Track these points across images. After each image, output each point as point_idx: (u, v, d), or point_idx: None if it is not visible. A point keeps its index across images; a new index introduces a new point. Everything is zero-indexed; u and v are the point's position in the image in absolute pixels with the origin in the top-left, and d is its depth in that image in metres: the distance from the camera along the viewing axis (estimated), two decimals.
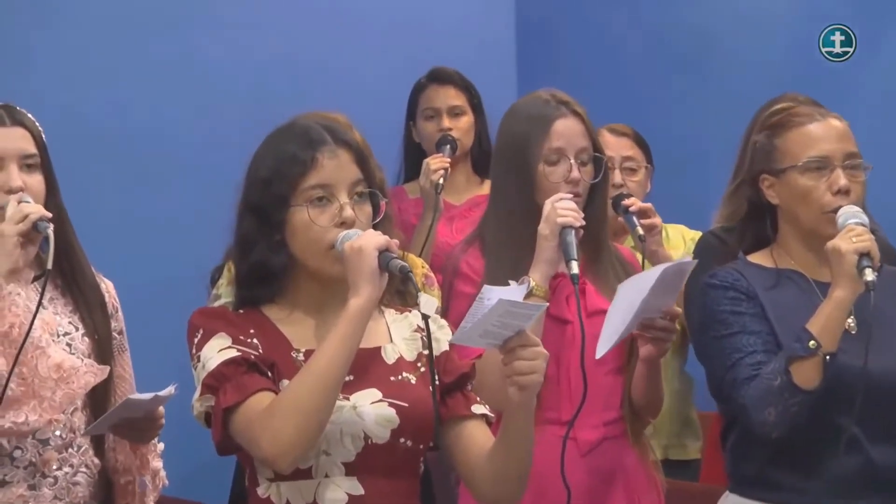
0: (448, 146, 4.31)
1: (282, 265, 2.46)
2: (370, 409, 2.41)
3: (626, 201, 3.63)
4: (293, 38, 4.88)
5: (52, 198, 2.81)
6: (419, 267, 3.55)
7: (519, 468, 2.43)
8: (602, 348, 2.88)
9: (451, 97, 4.43)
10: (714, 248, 3.31)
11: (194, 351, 2.44)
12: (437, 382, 2.42)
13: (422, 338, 2.51)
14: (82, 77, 4.37)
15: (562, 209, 2.93)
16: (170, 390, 2.73)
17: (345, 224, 2.43)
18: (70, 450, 2.78)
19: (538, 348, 2.32)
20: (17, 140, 2.79)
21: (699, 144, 5.00)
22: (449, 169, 4.16)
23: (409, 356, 2.51)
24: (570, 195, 2.99)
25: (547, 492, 2.91)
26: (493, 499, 2.48)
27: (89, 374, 2.72)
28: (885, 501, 2.86)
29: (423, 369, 2.49)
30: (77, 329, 2.82)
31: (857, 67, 4.77)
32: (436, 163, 4.15)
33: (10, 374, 2.60)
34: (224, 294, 3.33)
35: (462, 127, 4.40)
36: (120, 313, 2.96)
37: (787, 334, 2.83)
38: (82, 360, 2.74)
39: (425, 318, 2.38)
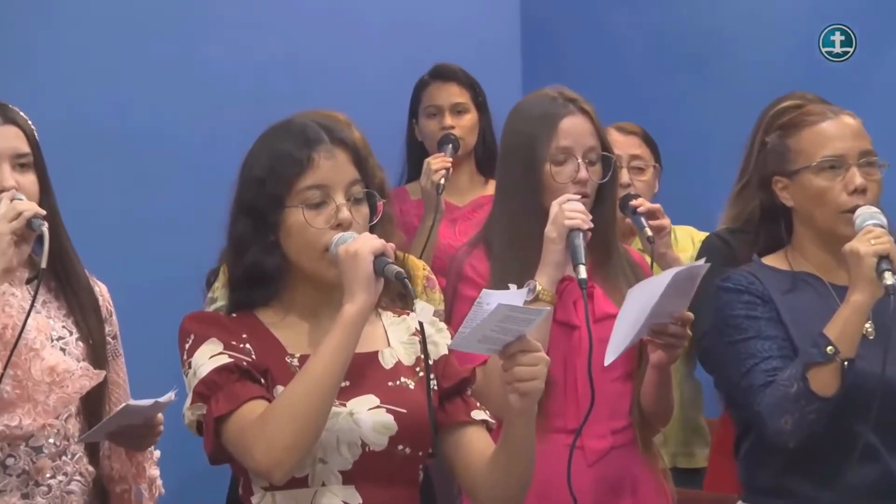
0: (450, 145, 4.25)
1: (276, 267, 2.42)
2: (367, 415, 2.38)
3: (634, 202, 3.62)
4: (293, 38, 4.87)
5: (45, 198, 2.78)
6: (420, 269, 3.51)
7: (520, 476, 2.40)
8: (611, 355, 2.85)
9: (453, 94, 4.39)
10: (718, 249, 3.30)
11: (185, 357, 2.40)
12: (435, 388, 2.41)
13: (420, 342, 2.47)
14: (82, 77, 4.36)
15: (569, 211, 2.90)
16: (170, 396, 2.70)
17: (341, 226, 2.39)
18: (64, 458, 2.75)
19: (539, 354, 2.29)
20: (10, 139, 2.76)
21: (700, 144, 5.00)
22: (451, 169, 4.12)
23: (408, 360, 2.48)
24: (578, 196, 2.95)
25: (553, 502, 2.87)
26: None
27: (84, 377, 2.70)
28: None
29: (421, 374, 2.46)
30: (71, 333, 2.79)
31: (857, 67, 4.78)
32: (437, 162, 4.11)
33: (1, 375, 2.58)
34: (220, 297, 3.29)
35: (465, 125, 4.35)
36: (114, 317, 2.93)
37: (802, 339, 2.80)
38: (77, 363, 2.71)
39: (421, 326, 2.35)
